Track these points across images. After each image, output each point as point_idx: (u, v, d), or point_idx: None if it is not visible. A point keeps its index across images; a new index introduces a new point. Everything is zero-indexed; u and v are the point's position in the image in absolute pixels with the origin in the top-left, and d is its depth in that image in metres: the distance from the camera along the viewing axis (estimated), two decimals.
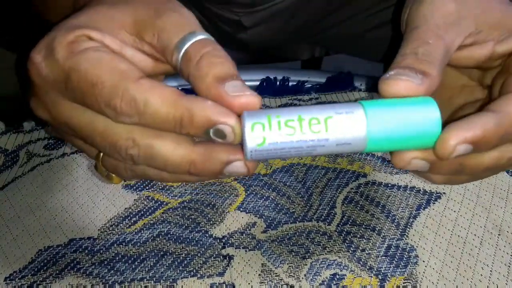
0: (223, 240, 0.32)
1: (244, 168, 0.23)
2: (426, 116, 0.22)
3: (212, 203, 0.35)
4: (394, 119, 0.22)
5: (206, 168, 0.23)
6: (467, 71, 0.29)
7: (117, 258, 0.31)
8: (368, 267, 0.30)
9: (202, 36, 0.23)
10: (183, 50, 0.23)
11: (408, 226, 0.33)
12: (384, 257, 0.31)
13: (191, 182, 0.32)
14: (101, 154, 0.25)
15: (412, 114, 0.22)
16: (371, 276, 0.30)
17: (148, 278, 0.30)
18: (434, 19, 0.25)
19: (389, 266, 0.30)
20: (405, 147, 0.23)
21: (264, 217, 0.34)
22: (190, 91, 0.23)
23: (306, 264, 0.30)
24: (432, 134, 0.22)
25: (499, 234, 0.32)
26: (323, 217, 0.34)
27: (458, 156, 0.22)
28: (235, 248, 0.32)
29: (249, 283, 0.30)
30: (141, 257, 0.31)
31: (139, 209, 0.35)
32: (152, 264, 0.31)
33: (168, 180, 0.25)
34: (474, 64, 0.26)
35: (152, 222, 0.34)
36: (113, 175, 0.27)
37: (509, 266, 0.30)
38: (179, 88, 0.48)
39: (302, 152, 0.23)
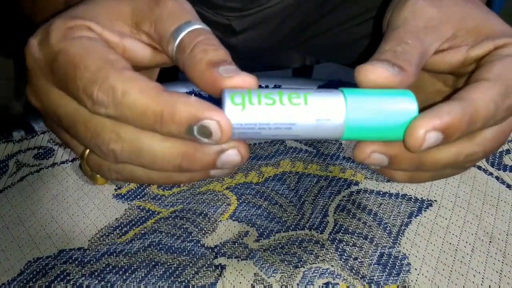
0: (215, 250, 0.32)
1: (238, 155, 0.22)
2: (403, 105, 0.22)
3: (204, 212, 0.35)
4: (370, 100, 0.22)
5: (198, 159, 0.22)
6: (442, 77, 0.29)
7: (107, 269, 0.31)
8: (360, 276, 0.30)
9: (197, 26, 0.23)
10: (178, 40, 0.22)
11: (400, 234, 0.33)
12: (376, 266, 0.31)
13: (181, 183, 0.31)
14: (87, 152, 0.24)
15: (389, 100, 0.22)
16: (364, 285, 0.30)
17: None
18: (414, 22, 0.25)
19: (381, 274, 0.30)
20: (382, 133, 0.22)
21: (256, 226, 0.34)
22: (204, 98, 0.22)
23: (298, 273, 0.30)
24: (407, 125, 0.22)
25: (490, 242, 0.32)
26: (315, 226, 0.34)
27: (428, 148, 0.21)
28: (228, 258, 0.31)
29: None
30: (132, 267, 0.31)
31: (130, 219, 0.35)
32: (143, 274, 0.31)
33: (156, 181, 0.24)
34: (449, 69, 0.27)
35: (143, 232, 0.34)
36: (98, 175, 0.26)
37: (501, 274, 0.30)
38: (192, 93, 0.48)
39: (282, 128, 0.22)
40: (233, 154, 0.22)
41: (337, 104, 0.22)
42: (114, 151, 0.22)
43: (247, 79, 0.21)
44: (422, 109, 0.22)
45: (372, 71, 0.22)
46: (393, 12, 0.27)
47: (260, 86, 0.50)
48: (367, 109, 0.22)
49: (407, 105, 0.22)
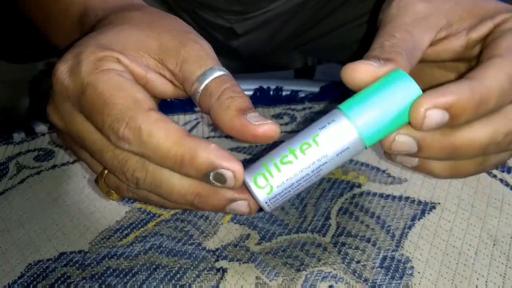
0: (217, 253, 0.32)
1: (247, 208, 0.24)
2: (404, 92, 0.22)
3: (205, 215, 0.35)
4: (374, 106, 0.22)
5: (210, 202, 0.24)
6: (455, 68, 0.29)
7: (108, 272, 0.31)
8: (363, 279, 0.30)
9: (221, 72, 0.25)
10: (204, 84, 0.24)
11: (403, 237, 0.33)
12: (379, 269, 0.30)
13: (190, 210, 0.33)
14: (105, 172, 0.26)
15: (388, 94, 0.22)
16: None
17: None
18: (401, 17, 0.25)
19: (384, 277, 0.30)
20: (399, 123, 0.23)
21: (258, 228, 0.34)
22: None
23: (300, 277, 0.30)
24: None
25: (494, 244, 0.32)
26: (317, 228, 0.33)
27: (435, 127, 0.21)
28: (229, 261, 0.31)
29: None
30: (133, 270, 0.31)
31: (131, 221, 0.35)
32: (144, 278, 0.30)
33: (168, 207, 0.26)
34: (453, 55, 0.27)
35: (144, 234, 0.33)
36: (113, 192, 0.27)
37: (504, 277, 0.30)
38: None
39: (312, 178, 0.24)
40: (243, 205, 0.24)
41: (347, 130, 0.23)
42: (138, 179, 0.23)
43: (272, 127, 0.23)
44: None
45: (356, 70, 0.23)
46: (382, 12, 0.27)
47: (261, 88, 0.50)
48: (375, 117, 0.23)
49: (407, 89, 0.22)
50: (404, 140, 0.23)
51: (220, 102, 0.23)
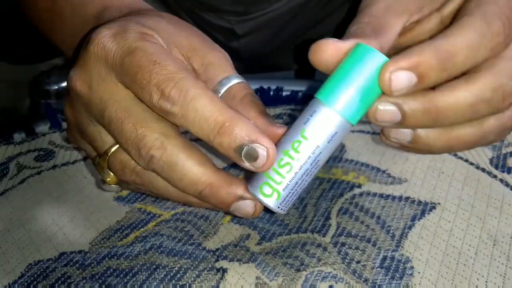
0: (217, 253, 0.32)
1: (252, 208, 0.25)
2: (370, 61, 0.22)
3: (205, 215, 0.35)
4: (347, 84, 0.23)
5: (219, 195, 0.24)
6: None
7: (108, 272, 0.31)
8: (363, 279, 0.30)
9: (241, 79, 0.27)
10: (227, 86, 0.26)
11: (403, 237, 0.33)
12: (379, 269, 0.30)
13: (190, 205, 0.33)
14: (113, 149, 0.26)
15: (357, 63, 0.23)
16: None
17: None
18: (369, 8, 0.26)
19: (384, 277, 0.30)
20: (377, 95, 0.23)
21: (258, 229, 0.34)
22: None
23: (301, 277, 0.30)
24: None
25: (494, 245, 0.32)
26: (317, 229, 0.33)
27: (405, 91, 0.21)
28: (229, 261, 0.31)
29: None
30: (133, 270, 0.31)
31: (131, 221, 0.35)
32: (144, 278, 0.30)
33: (171, 197, 0.26)
34: (432, 35, 0.27)
35: (144, 235, 0.34)
36: (111, 173, 0.27)
37: (504, 277, 0.30)
38: None
39: (313, 170, 0.24)
40: (249, 205, 0.25)
41: (331, 117, 0.23)
42: (152, 157, 0.23)
43: (284, 130, 0.25)
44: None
45: (320, 48, 0.23)
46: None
47: (262, 88, 0.50)
48: (352, 96, 0.23)
49: (373, 59, 0.22)
50: (385, 108, 0.23)
51: (244, 103, 0.25)
